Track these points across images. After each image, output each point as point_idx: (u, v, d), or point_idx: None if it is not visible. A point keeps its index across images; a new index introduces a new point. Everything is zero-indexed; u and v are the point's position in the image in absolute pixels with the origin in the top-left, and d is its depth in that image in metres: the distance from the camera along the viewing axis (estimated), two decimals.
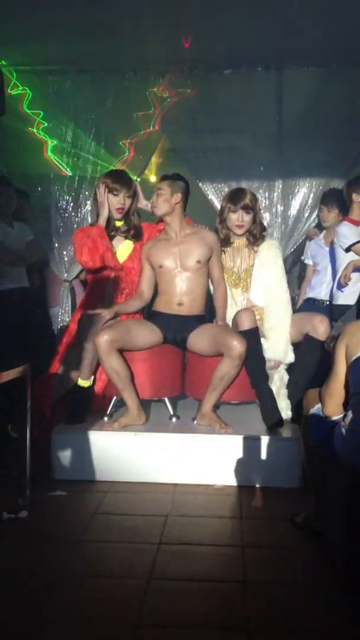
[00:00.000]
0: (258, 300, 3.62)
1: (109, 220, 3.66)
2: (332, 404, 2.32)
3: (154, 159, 5.67)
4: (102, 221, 3.62)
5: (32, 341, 4.51)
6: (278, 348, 3.49)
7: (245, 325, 3.31)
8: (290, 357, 3.52)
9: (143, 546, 2.48)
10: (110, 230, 3.67)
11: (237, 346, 3.19)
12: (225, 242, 3.66)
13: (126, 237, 3.72)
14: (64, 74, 4.88)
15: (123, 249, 3.72)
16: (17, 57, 4.60)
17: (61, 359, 3.67)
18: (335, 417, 2.31)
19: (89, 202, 4.89)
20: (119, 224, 3.71)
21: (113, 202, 3.60)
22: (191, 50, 4.48)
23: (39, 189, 5.01)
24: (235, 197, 3.61)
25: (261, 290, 3.61)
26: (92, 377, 3.55)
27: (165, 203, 3.53)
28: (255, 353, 3.30)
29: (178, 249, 3.55)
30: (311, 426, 2.42)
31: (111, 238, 3.69)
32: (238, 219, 3.57)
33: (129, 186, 3.64)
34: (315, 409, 2.42)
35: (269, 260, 3.64)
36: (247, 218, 3.59)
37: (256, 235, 3.65)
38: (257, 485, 3.14)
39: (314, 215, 4.81)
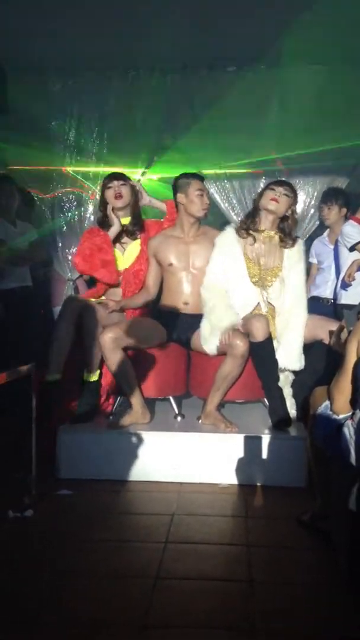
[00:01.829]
0: (276, 301, 3.46)
1: (107, 216, 3.72)
2: (342, 401, 2.29)
3: (156, 157, 5.65)
4: (112, 232, 3.67)
5: (36, 340, 4.52)
6: (292, 356, 3.38)
7: (260, 337, 3.20)
8: (302, 363, 3.42)
9: (149, 545, 2.48)
10: (108, 226, 3.71)
11: (240, 345, 3.18)
12: (253, 228, 3.47)
13: (134, 238, 3.73)
14: (66, 73, 4.87)
15: (131, 250, 3.73)
16: (18, 55, 4.59)
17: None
18: (343, 415, 2.30)
19: (91, 202, 4.89)
20: (124, 221, 3.71)
21: (110, 194, 3.67)
22: (193, 48, 4.48)
23: (42, 187, 5.00)
24: (278, 182, 3.57)
25: (284, 292, 3.45)
26: (99, 371, 3.54)
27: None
28: (268, 362, 3.26)
29: (189, 249, 3.54)
30: (318, 425, 2.41)
31: (119, 238, 3.71)
32: (275, 194, 3.43)
33: (120, 178, 3.72)
34: (323, 407, 2.41)
35: (299, 262, 3.53)
36: (285, 200, 3.43)
37: (288, 231, 3.49)
38: (263, 484, 3.14)
39: (317, 215, 4.80)
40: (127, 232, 3.73)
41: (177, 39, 4.30)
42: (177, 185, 3.60)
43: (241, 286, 3.42)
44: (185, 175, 3.63)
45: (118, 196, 3.66)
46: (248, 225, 3.48)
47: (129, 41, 4.32)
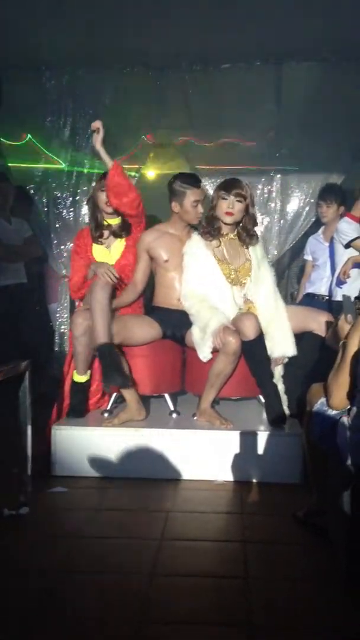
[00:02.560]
0: (253, 297, 3.49)
1: (100, 222, 3.64)
2: (340, 396, 2.27)
3: (152, 154, 5.64)
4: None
5: (31, 337, 4.51)
6: (285, 344, 3.38)
7: (251, 334, 3.19)
8: (295, 349, 3.42)
9: (145, 542, 2.48)
10: (101, 229, 3.64)
11: (232, 342, 3.18)
12: (215, 235, 3.46)
13: (119, 237, 3.67)
14: (62, 70, 4.85)
15: (116, 247, 3.69)
16: (12, 53, 4.57)
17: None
18: (339, 410, 2.29)
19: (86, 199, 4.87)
20: (113, 222, 3.64)
21: (102, 198, 3.56)
22: (189, 44, 4.47)
23: (37, 184, 4.98)
24: (228, 185, 3.45)
25: (257, 286, 3.48)
26: (89, 372, 3.54)
27: None
28: (261, 359, 3.26)
29: (184, 246, 3.53)
30: (314, 422, 2.41)
31: (102, 236, 3.65)
32: (228, 206, 3.40)
33: None
34: (319, 404, 2.41)
35: (264, 257, 3.60)
36: (238, 206, 3.41)
37: (249, 229, 3.50)
38: (258, 481, 3.14)
39: (314, 211, 4.80)
40: (114, 234, 3.65)
41: (172, 35, 4.29)
42: (172, 190, 3.54)
43: (219, 287, 3.42)
44: (181, 180, 3.52)
45: (109, 204, 3.55)
46: (209, 231, 3.48)
47: (124, 37, 4.30)
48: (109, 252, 3.68)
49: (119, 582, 2.18)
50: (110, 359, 3.19)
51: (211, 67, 4.82)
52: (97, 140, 3.50)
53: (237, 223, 3.50)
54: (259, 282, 3.49)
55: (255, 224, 3.58)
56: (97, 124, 3.48)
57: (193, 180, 3.55)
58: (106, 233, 3.67)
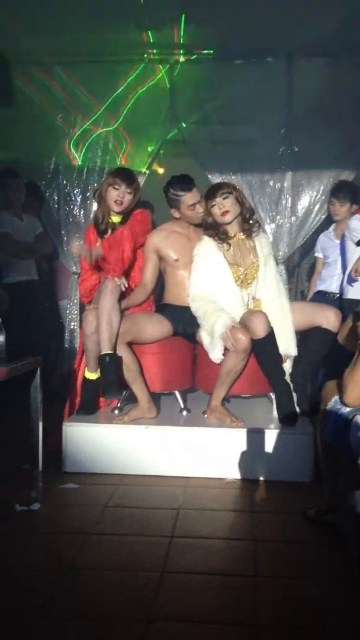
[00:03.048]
0: (259, 294, 3.47)
1: (104, 217, 3.56)
2: (356, 392, 2.25)
3: (162, 151, 5.64)
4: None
5: (41, 334, 4.53)
6: (288, 343, 3.36)
7: (261, 332, 3.17)
8: (296, 349, 3.41)
9: (155, 539, 2.48)
10: (104, 226, 3.57)
11: (242, 340, 3.17)
12: (224, 238, 3.44)
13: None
14: (72, 64, 4.86)
15: None
16: (26, 47, 4.58)
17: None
18: (354, 407, 2.28)
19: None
20: (116, 219, 3.58)
21: (112, 195, 3.49)
22: (201, 39, 4.46)
23: (49, 180, 5.00)
24: (210, 192, 3.44)
25: (264, 284, 3.47)
26: (100, 370, 3.54)
27: None
28: (272, 357, 3.25)
29: (193, 244, 3.51)
30: (328, 420, 2.41)
31: (107, 233, 3.59)
32: (220, 208, 3.37)
33: (130, 182, 3.51)
34: (333, 402, 2.40)
35: (270, 254, 3.58)
36: (228, 202, 3.38)
37: (248, 219, 3.47)
38: (268, 479, 3.14)
39: (325, 208, 4.78)
40: (115, 229, 3.57)
41: (184, 30, 4.30)
42: (167, 199, 3.55)
43: (228, 291, 3.42)
44: (174, 188, 3.49)
45: (119, 202, 3.48)
46: (218, 234, 3.45)
47: (137, 33, 4.31)
48: None
49: (129, 578, 2.19)
50: (112, 370, 3.23)
51: (223, 63, 4.81)
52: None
53: (240, 218, 3.47)
54: (265, 280, 3.49)
55: (253, 212, 3.58)
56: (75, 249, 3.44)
57: (185, 184, 3.49)
58: (110, 231, 3.60)
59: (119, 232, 3.50)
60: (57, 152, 5.01)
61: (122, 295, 3.43)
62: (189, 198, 3.49)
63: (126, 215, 3.57)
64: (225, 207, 3.39)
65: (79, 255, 3.41)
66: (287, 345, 3.37)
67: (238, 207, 3.43)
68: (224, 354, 3.26)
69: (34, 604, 2.02)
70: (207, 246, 3.47)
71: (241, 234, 3.50)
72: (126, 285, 3.41)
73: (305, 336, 3.51)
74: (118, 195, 3.48)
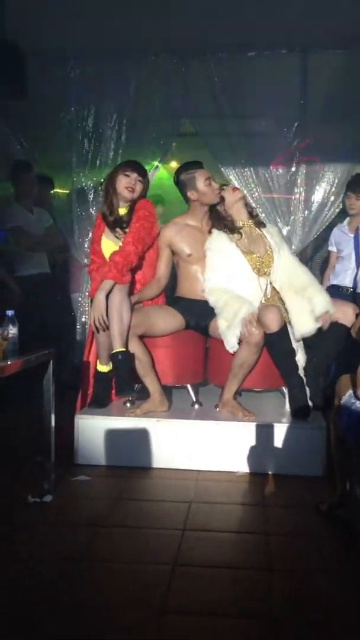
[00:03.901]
0: (276, 283, 3.49)
1: (113, 209, 3.51)
2: None
3: (175, 143, 5.62)
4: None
5: (54, 327, 4.54)
6: (325, 299, 3.36)
7: (274, 327, 3.16)
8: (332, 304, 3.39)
9: (167, 532, 2.49)
10: (113, 217, 3.51)
11: (255, 334, 3.16)
12: (233, 227, 3.49)
13: (126, 227, 3.50)
14: (86, 58, 4.85)
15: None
16: (38, 41, 4.57)
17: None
18: None
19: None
20: (122, 211, 3.53)
21: (124, 182, 3.46)
22: (215, 32, 4.43)
23: (61, 173, 5.01)
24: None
25: (280, 272, 3.48)
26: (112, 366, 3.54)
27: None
28: (285, 351, 3.24)
29: (206, 237, 3.51)
30: (341, 414, 2.39)
31: (115, 225, 3.53)
32: (223, 190, 3.54)
33: (140, 170, 3.52)
34: (347, 396, 2.39)
35: (282, 240, 3.67)
36: (228, 188, 3.60)
37: (251, 211, 3.62)
38: (280, 473, 3.13)
39: (339, 201, 4.74)
40: (122, 222, 3.52)
41: (197, 23, 4.26)
42: (181, 182, 3.54)
43: (246, 279, 3.42)
44: (185, 169, 3.53)
45: (130, 189, 3.46)
46: (229, 225, 3.49)
47: (149, 25, 4.28)
48: (120, 243, 3.60)
49: (140, 571, 2.19)
50: (124, 368, 3.20)
51: (237, 55, 4.77)
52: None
53: (245, 206, 3.58)
54: (281, 268, 3.50)
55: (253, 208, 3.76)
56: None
57: (195, 164, 3.58)
58: (119, 230, 3.53)
59: (127, 244, 3.41)
60: (70, 145, 5.00)
61: (131, 290, 3.41)
62: (202, 173, 3.52)
63: (132, 205, 3.52)
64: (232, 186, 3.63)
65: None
66: (325, 302, 3.35)
67: (240, 193, 3.61)
68: (239, 343, 3.25)
69: (46, 595, 2.03)
70: (217, 239, 3.47)
71: (250, 221, 3.53)
72: (106, 325, 3.35)
73: (321, 330, 3.48)
74: (129, 182, 3.46)
